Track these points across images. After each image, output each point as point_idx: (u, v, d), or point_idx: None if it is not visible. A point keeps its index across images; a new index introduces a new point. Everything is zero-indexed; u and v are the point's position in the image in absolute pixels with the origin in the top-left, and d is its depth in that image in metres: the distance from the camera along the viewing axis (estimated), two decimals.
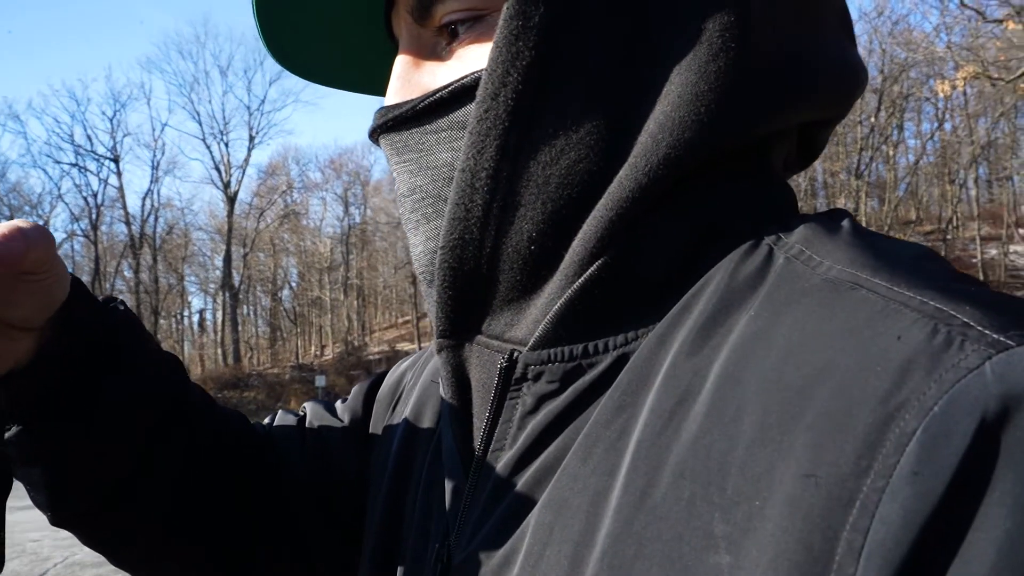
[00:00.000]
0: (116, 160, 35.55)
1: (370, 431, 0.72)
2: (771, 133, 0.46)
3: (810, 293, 0.37)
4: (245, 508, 0.67)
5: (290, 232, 41.17)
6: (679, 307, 0.42)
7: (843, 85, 0.48)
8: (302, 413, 0.76)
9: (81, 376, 0.56)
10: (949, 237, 31.94)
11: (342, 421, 0.74)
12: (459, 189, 0.46)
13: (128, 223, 36.08)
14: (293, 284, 43.14)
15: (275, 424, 0.75)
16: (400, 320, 40.01)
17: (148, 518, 0.63)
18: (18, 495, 0.54)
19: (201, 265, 41.48)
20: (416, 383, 0.66)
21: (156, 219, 36.97)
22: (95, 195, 35.47)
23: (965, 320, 0.31)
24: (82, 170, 35.75)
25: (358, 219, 40.62)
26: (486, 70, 0.45)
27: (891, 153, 30.91)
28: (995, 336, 0.30)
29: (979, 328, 0.31)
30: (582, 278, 0.44)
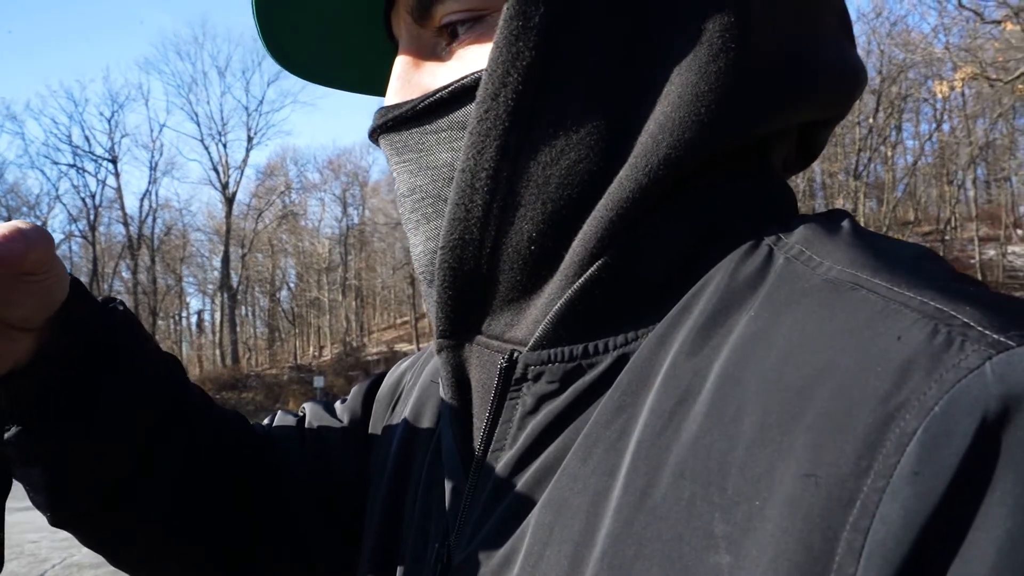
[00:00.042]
0: (114, 161, 35.57)
1: (369, 431, 0.72)
2: (771, 133, 0.46)
3: (810, 293, 0.37)
4: (245, 508, 0.67)
5: (288, 233, 41.17)
6: (679, 307, 0.42)
7: (843, 85, 0.48)
8: (301, 414, 0.76)
9: (81, 376, 0.56)
10: (947, 238, 31.97)
11: (341, 421, 0.74)
12: (459, 189, 0.46)
13: (126, 224, 36.09)
14: (291, 285, 43.18)
15: (274, 425, 0.75)
16: (398, 321, 40.02)
17: (148, 518, 0.63)
18: (17, 495, 0.54)
19: (199, 266, 41.56)
20: (415, 383, 0.66)
21: (154, 220, 37.05)
22: (93, 196, 35.52)
23: (965, 320, 0.31)
24: (80, 171, 35.81)
25: (356, 220, 40.65)
26: (486, 70, 0.45)
27: (889, 154, 30.93)
28: (995, 336, 0.30)
29: (979, 328, 0.31)
30: (582, 278, 0.44)
